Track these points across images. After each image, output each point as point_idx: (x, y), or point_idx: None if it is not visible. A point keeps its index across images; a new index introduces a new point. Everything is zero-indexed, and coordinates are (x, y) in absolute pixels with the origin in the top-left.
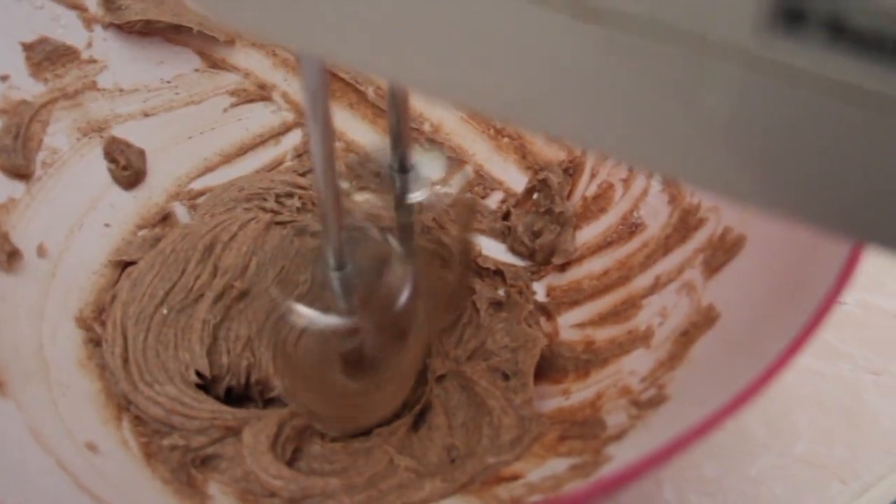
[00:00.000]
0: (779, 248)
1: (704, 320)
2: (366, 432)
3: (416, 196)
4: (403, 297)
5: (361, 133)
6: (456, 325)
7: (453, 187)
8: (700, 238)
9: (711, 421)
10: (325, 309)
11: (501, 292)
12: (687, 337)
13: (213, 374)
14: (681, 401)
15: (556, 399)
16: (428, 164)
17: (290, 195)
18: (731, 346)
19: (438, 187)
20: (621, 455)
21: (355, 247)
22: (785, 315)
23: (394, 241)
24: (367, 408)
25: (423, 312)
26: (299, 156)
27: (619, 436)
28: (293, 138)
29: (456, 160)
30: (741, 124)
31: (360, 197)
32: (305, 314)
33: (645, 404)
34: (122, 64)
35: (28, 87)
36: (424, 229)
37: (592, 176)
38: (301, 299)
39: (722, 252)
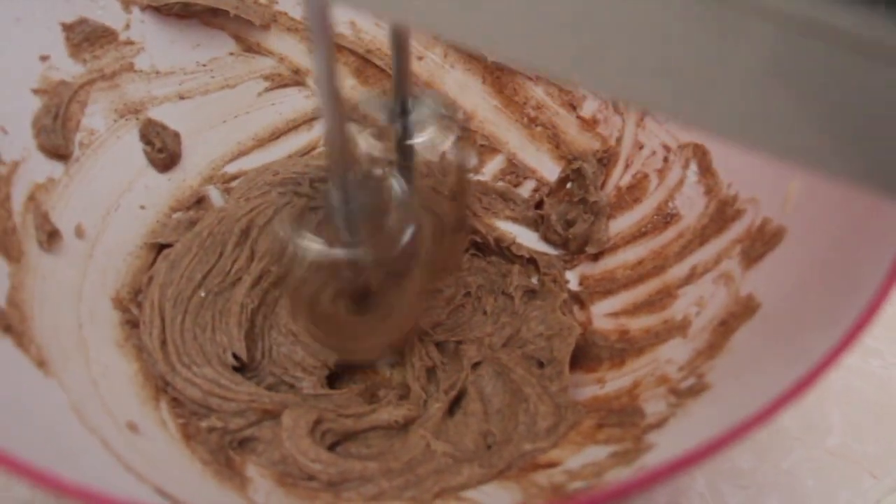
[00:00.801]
0: (821, 240)
1: (744, 310)
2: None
3: (416, 139)
4: (406, 234)
5: None
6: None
7: (451, 138)
8: (738, 229)
9: (767, 412)
10: (332, 243)
11: (535, 280)
12: (726, 327)
13: (250, 357)
14: (722, 390)
15: (590, 387)
16: (427, 107)
17: (323, 180)
18: (772, 337)
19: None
20: (664, 443)
21: (361, 184)
22: (830, 308)
23: (397, 182)
24: (369, 340)
25: (423, 251)
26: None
27: (659, 424)
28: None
29: (488, 148)
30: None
31: (365, 141)
32: (312, 247)
33: (685, 393)
34: (158, 46)
35: (67, 68)
36: (425, 173)
37: (627, 166)
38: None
39: (761, 243)
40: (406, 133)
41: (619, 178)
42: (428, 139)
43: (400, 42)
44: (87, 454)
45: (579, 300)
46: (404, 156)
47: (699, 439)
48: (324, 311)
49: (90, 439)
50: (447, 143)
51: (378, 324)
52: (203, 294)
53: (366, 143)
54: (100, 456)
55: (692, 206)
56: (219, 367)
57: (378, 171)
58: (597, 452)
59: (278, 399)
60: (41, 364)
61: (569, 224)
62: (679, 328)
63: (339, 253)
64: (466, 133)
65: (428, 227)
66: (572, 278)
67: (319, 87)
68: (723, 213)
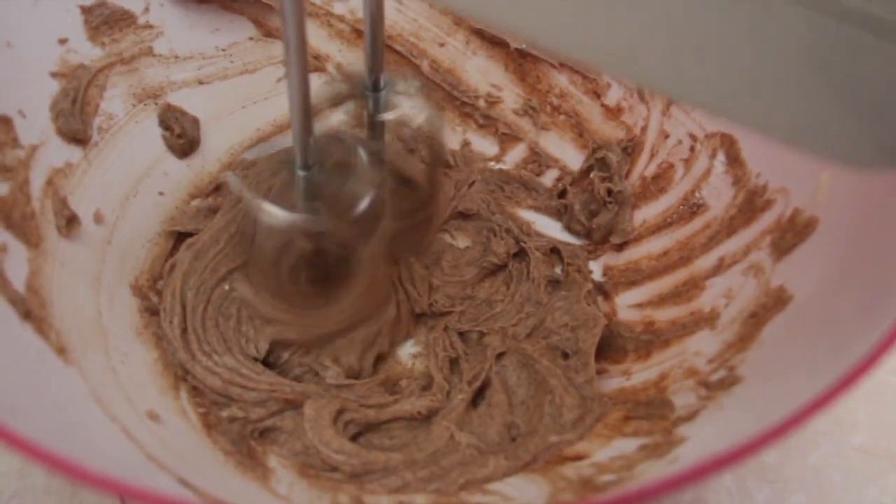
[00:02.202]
0: (855, 232)
1: (775, 302)
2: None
3: (387, 115)
4: (364, 203)
5: None
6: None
7: (422, 116)
8: (767, 220)
9: (806, 412)
10: (290, 207)
11: (559, 270)
12: (756, 319)
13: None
14: (754, 382)
15: (616, 379)
16: (401, 86)
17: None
18: (806, 329)
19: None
20: (696, 436)
21: (324, 151)
22: (867, 303)
23: (363, 152)
24: (328, 315)
25: (386, 222)
26: (353, 128)
27: (690, 417)
28: (346, 109)
29: (510, 137)
30: None
31: (335, 115)
32: (271, 211)
33: (715, 385)
34: (178, 30)
35: (86, 52)
36: (394, 151)
37: (652, 156)
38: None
39: (792, 234)
40: (377, 108)
41: (644, 167)
42: (398, 116)
43: (374, 14)
44: (108, 442)
45: (603, 291)
46: (374, 130)
47: (732, 433)
48: (283, 279)
49: (111, 428)
50: (418, 121)
51: (337, 295)
52: (227, 287)
53: (336, 114)
54: (121, 444)
55: (720, 196)
56: (240, 356)
57: (343, 140)
58: (625, 445)
59: (299, 389)
60: (61, 351)
61: (592, 214)
62: (707, 320)
63: (294, 217)
64: (439, 113)
65: (395, 200)
66: (596, 269)
67: (285, 42)
68: (752, 204)
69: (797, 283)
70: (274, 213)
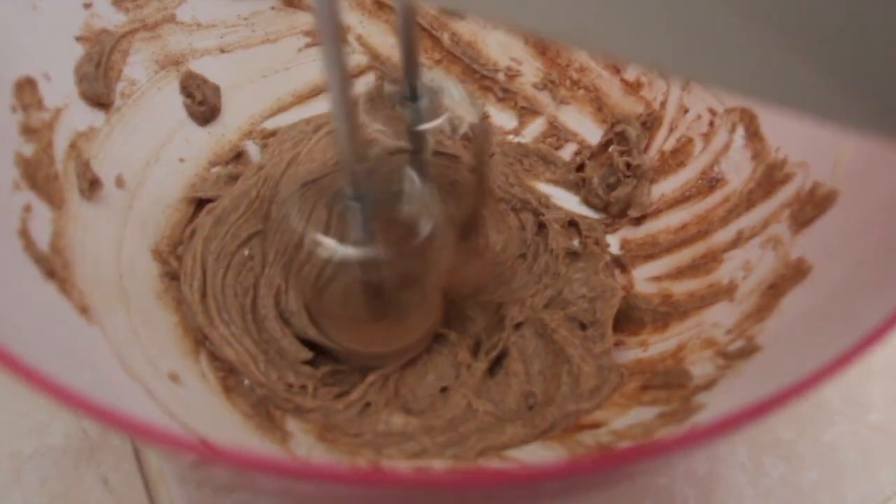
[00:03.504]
0: (875, 204)
1: (794, 273)
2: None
3: (427, 125)
4: (423, 226)
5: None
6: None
7: (468, 116)
8: (786, 193)
9: (822, 373)
10: (346, 240)
11: (576, 243)
12: (776, 290)
13: None
14: (774, 351)
15: (633, 350)
16: (439, 91)
17: None
18: (825, 299)
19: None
20: (715, 403)
21: (373, 177)
22: (884, 274)
23: (411, 172)
24: (391, 339)
25: (442, 242)
26: (372, 100)
27: (708, 385)
28: (366, 82)
29: (529, 110)
30: None
31: (376, 129)
32: (327, 245)
33: (733, 355)
34: None
35: (109, 17)
36: (439, 159)
37: (671, 130)
38: (324, 231)
39: (811, 207)
40: (416, 119)
41: (663, 141)
42: (440, 124)
43: (407, 23)
44: (131, 400)
45: (620, 264)
46: (416, 144)
47: (750, 400)
48: (338, 312)
49: (134, 387)
50: (462, 129)
51: (395, 327)
52: (247, 252)
53: (377, 131)
54: (145, 403)
55: (738, 170)
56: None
57: (391, 162)
58: (644, 413)
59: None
60: (84, 311)
61: (610, 187)
62: (725, 291)
63: (351, 252)
64: (484, 118)
65: (445, 221)
66: (613, 242)
67: (328, 79)
68: (771, 178)
69: (817, 255)
70: (332, 248)
